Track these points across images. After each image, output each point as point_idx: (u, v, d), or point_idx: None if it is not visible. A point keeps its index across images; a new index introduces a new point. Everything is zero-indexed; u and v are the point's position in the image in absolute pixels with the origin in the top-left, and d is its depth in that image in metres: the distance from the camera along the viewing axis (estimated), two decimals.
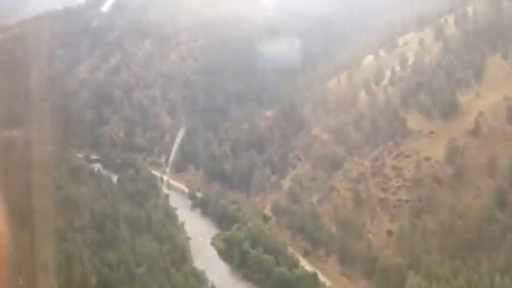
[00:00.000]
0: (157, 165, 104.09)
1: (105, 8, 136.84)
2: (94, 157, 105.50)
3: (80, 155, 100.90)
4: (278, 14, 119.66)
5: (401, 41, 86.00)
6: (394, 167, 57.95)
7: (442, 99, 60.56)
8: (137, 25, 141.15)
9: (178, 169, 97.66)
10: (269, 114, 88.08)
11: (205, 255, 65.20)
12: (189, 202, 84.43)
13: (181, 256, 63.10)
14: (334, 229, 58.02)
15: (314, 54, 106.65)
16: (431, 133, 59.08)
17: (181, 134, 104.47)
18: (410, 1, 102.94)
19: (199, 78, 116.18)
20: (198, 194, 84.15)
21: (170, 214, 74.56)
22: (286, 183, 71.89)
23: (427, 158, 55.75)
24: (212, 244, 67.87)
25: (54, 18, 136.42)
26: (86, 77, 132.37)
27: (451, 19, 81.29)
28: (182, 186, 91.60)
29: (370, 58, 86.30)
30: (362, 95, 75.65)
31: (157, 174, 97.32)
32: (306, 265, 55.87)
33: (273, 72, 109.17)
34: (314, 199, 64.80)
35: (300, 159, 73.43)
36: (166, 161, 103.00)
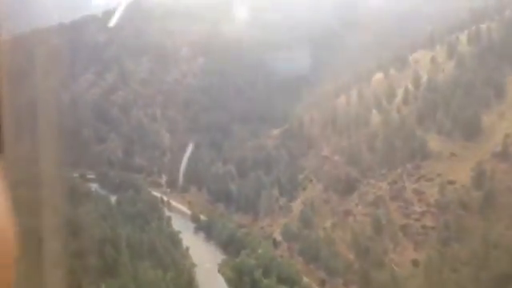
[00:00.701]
0: (157, 185, 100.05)
1: (111, 22, 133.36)
2: (90, 176, 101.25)
3: (76, 174, 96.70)
4: (280, 30, 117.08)
5: (411, 59, 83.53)
6: (415, 191, 54.61)
7: (463, 119, 57.62)
8: (135, 41, 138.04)
9: (180, 189, 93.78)
10: (275, 132, 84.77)
11: (212, 284, 61.14)
12: (191, 225, 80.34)
13: (187, 284, 59.05)
14: (351, 256, 54.31)
15: (319, 71, 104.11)
16: (453, 155, 55.96)
17: (188, 152, 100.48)
18: (417, 18, 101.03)
19: (200, 95, 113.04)
20: (202, 217, 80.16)
21: (173, 239, 70.40)
22: (297, 206, 68.24)
23: (451, 182, 52.50)
24: (219, 271, 63.78)
25: (50, 32, 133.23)
26: (82, 94, 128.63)
27: (463, 37, 78.86)
28: (184, 208, 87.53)
29: (379, 76, 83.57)
30: (374, 114, 72.61)
31: (157, 194, 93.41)
32: None
33: (277, 89, 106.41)
34: (328, 224, 61.15)
35: (311, 181, 69.92)
36: (167, 181, 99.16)
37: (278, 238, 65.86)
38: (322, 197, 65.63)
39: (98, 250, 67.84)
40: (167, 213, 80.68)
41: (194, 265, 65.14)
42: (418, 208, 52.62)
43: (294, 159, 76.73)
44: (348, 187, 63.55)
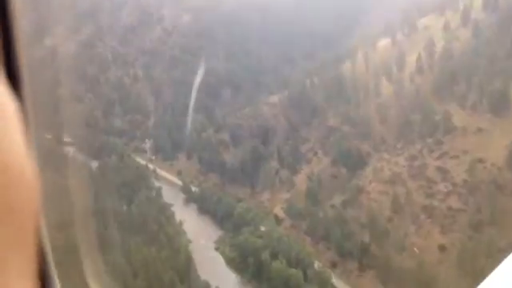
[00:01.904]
0: (140, 151, 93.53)
1: None
2: (66, 139, 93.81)
3: (49, 136, 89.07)
4: None
5: (420, 24, 78.33)
6: (438, 169, 50.37)
7: (489, 92, 53.23)
8: None
9: (166, 157, 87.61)
10: (272, 99, 78.98)
11: (210, 263, 56.28)
12: (181, 196, 74.94)
13: (184, 264, 54.12)
14: (366, 238, 50.11)
15: (317, 35, 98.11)
16: (480, 130, 51.78)
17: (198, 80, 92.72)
18: None
19: (187, 56, 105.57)
20: (194, 188, 74.71)
21: (165, 212, 64.97)
22: (300, 180, 63.43)
23: (480, 160, 48.45)
24: (217, 249, 58.98)
25: None
26: (54, 49, 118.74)
27: (478, 2, 73.90)
28: (173, 177, 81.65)
29: (385, 42, 78.18)
30: (385, 83, 67.62)
31: (141, 161, 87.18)
32: (339, 282, 47.94)
33: (273, 53, 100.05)
34: (337, 201, 56.66)
35: (316, 153, 64.98)
36: (152, 147, 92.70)
37: (280, 214, 61.20)
38: (329, 171, 60.93)
39: (81, 222, 61.91)
40: (157, 183, 74.73)
41: (188, 241, 60.14)
42: (442, 188, 48.50)
43: (295, 129, 71.44)
44: (359, 162, 58.97)
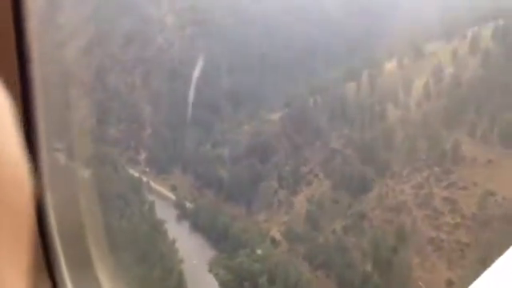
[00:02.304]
0: (134, 162, 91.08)
1: None
2: (57, 145, 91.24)
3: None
4: (278, 6, 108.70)
5: (426, 50, 77.28)
6: (446, 200, 48.60)
7: (501, 123, 51.83)
8: (113, 1, 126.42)
9: (160, 170, 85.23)
10: (273, 117, 77.21)
11: (202, 285, 53.95)
12: (174, 212, 72.49)
13: (176, 285, 51.60)
14: (368, 267, 48.00)
15: (320, 54, 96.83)
16: (490, 162, 50.23)
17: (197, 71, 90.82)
18: (430, 5, 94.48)
19: (187, 69, 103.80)
20: (188, 204, 72.33)
21: (158, 229, 62.45)
22: (299, 202, 61.37)
23: (491, 193, 46.79)
24: (210, 271, 56.50)
25: None
26: (50, 53, 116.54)
27: (487, 31, 73.00)
28: (166, 192, 79.29)
29: (391, 65, 77.02)
30: (390, 107, 66.11)
31: (135, 173, 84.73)
32: None
33: (274, 69, 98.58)
34: (338, 226, 54.60)
35: (317, 175, 63.05)
36: (146, 159, 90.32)
37: (277, 236, 58.99)
38: (330, 195, 58.93)
39: (70, 238, 59.33)
40: (150, 196, 72.25)
41: (181, 261, 57.63)
42: (450, 219, 46.65)
43: (296, 149, 69.52)
44: (362, 187, 57.06)
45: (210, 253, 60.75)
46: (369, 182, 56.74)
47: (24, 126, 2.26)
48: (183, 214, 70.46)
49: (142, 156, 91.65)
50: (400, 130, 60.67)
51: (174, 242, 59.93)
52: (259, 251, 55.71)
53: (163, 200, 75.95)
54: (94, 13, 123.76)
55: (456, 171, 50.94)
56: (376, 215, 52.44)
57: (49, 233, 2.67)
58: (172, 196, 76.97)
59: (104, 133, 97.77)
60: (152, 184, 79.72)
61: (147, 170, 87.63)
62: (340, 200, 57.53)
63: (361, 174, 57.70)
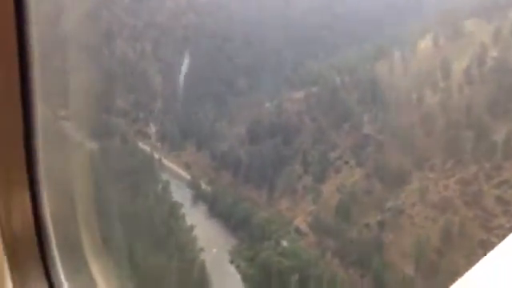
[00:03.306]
0: (143, 135, 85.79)
1: None
2: (62, 113, 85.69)
3: (44, 108, 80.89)
4: None
5: (464, 28, 71.48)
6: (498, 199, 44.14)
7: None
8: None
9: (173, 145, 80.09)
10: (297, 95, 71.79)
11: (224, 278, 49.75)
12: (189, 193, 67.81)
13: (198, 277, 47.29)
14: (410, 270, 43.78)
15: (344, 27, 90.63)
16: None
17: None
18: None
19: (201, 38, 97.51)
20: (203, 185, 67.57)
21: (174, 213, 57.77)
22: (328, 191, 56.75)
23: None
24: (232, 262, 52.23)
25: None
26: (54, 17, 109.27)
27: None
28: (179, 170, 74.30)
29: (427, 44, 71.31)
30: (428, 91, 60.88)
31: (145, 148, 79.64)
32: None
33: (293, 44, 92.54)
34: (372, 221, 50.18)
35: (347, 162, 58.26)
36: (157, 133, 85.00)
37: (303, 227, 54.60)
38: (362, 185, 54.27)
39: (82, 213, 54.49)
40: (164, 175, 67.29)
41: (201, 249, 53.22)
42: (504, 222, 42.25)
43: (322, 132, 64.46)
44: (398, 178, 52.37)
45: (230, 240, 56.40)
46: (406, 173, 52.02)
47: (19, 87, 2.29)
48: (199, 196, 65.75)
49: (153, 130, 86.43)
50: (440, 116, 55.61)
51: (192, 228, 55.38)
52: (284, 243, 51.41)
53: (177, 179, 71.14)
54: None
55: (509, 167, 46.32)
56: (417, 212, 47.99)
57: (44, 227, 2.54)
58: (186, 175, 72.17)
59: (111, 102, 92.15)
60: (164, 160, 74.69)
61: (158, 144, 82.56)
62: (374, 191, 52.91)
63: (397, 164, 52.90)
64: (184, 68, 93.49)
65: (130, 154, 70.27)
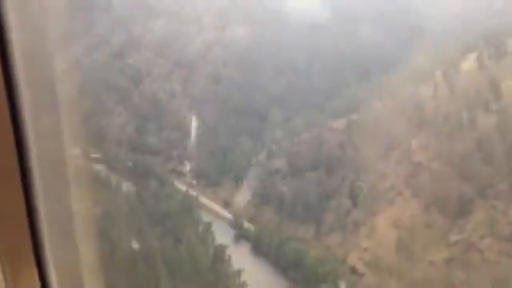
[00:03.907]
0: (178, 174, 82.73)
1: None
2: (94, 155, 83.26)
3: (76, 151, 78.51)
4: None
5: (508, 47, 67.30)
6: None
7: None
8: (145, 2, 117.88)
9: (209, 183, 76.69)
10: (336, 124, 67.96)
11: None
12: (231, 233, 63.86)
13: None
14: None
15: (374, 50, 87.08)
16: None
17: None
18: None
19: (231, 71, 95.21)
20: (246, 223, 63.55)
21: (220, 256, 53.76)
22: (382, 225, 52.15)
23: None
24: None
25: None
26: (81, 58, 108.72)
27: None
28: (218, 208, 70.67)
29: (470, 64, 67.16)
30: (480, 114, 56.44)
31: (181, 186, 76.40)
32: None
33: (323, 72, 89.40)
34: (438, 257, 45.31)
35: (400, 193, 53.74)
36: (192, 170, 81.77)
37: (359, 266, 49.89)
38: (421, 218, 49.58)
39: (120, 261, 50.92)
40: (205, 216, 63.55)
41: None
42: None
43: (368, 161, 60.26)
44: (461, 208, 47.61)
45: (281, 283, 51.98)
46: (469, 202, 47.23)
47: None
48: (242, 235, 61.75)
49: (187, 167, 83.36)
50: (498, 139, 50.97)
51: (239, 273, 51.05)
52: (342, 285, 46.80)
53: (215, 217, 67.37)
54: (125, 16, 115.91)
55: None
56: (488, 245, 43.11)
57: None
58: (225, 213, 68.40)
59: (143, 142, 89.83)
60: (201, 199, 71.06)
61: (193, 182, 79.28)
62: (434, 224, 48.12)
63: (457, 193, 48.20)
64: (215, 102, 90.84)
65: (167, 195, 67.07)
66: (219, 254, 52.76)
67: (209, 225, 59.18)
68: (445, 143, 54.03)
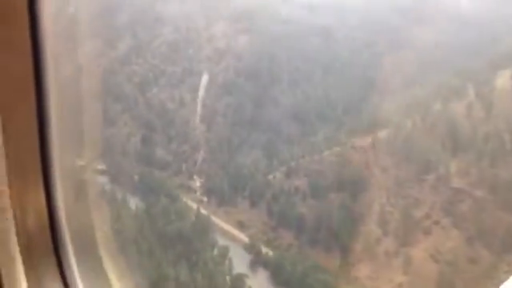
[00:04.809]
0: (187, 189, 77.45)
1: None
2: (100, 166, 77.88)
3: (81, 162, 73.06)
4: (355, 13, 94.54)
5: None
6: None
7: None
8: (152, 8, 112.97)
9: (222, 201, 71.38)
10: (362, 143, 62.95)
11: None
12: (246, 257, 58.61)
13: None
14: None
15: (399, 66, 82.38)
16: None
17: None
18: None
19: (244, 81, 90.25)
20: (264, 248, 58.28)
21: (236, 284, 48.56)
22: (420, 257, 46.99)
23: None
24: None
25: None
26: (85, 64, 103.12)
27: None
28: (231, 228, 65.38)
29: (505, 81, 62.41)
30: None
31: (192, 204, 71.21)
32: None
33: (341, 84, 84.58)
34: None
35: (438, 222, 48.62)
36: (203, 186, 76.47)
37: None
38: (464, 251, 44.46)
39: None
40: (220, 239, 58.19)
41: None
42: None
43: (398, 185, 55.19)
44: (509, 243, 42.53)
45: None
46: None
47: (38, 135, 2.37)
48: (259, 261, 56.48)
49: (197, 183, 78.12)
50: None
51: None
52: None
53: (228, 239, 62.10)
54: (131, 21, 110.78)
55: None
56: None
57: (59, 227, 2.62)
58: (240, 234, 63.09)
59: (150, 154, 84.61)
60: (212, 218, 65.78)
61: (204, 199, 74.01)
62: (480, 259, 42.99)
63: (505, 225, 43.09)
64: (228, 114, 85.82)
65: (178, 213, 61.81)
66: (238, 284, 47.42)
67: (226, 249, 53.82)
68: (486, 167, 49.00)
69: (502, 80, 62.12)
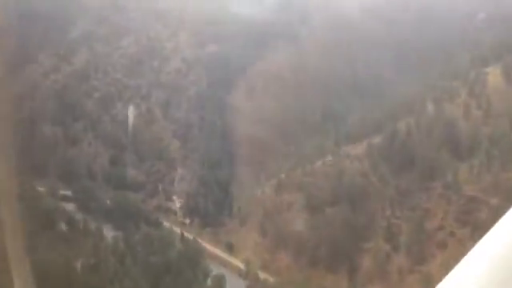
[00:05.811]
0: (165, 211, 71.02)
1: None
2: (64, 192, 70.17)
3: (41, 188, 65.26)
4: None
5: None
6: None
7: None
8: (111, 19, 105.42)
9: (207, 221, 65.41)
10: (356, 151, 58.67)
11: None
12: (241, 284, 52.92)
13: None
14: None
15: (406, 64, 78.03)
16: None
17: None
18: None
19: (218, 92, 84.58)
20: (261, 274, 52.68)
21: None
22: (438, 274, 42.80)
23: None
24: None
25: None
26: (39, 80, 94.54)
27: None
28: (220, 252, 59.49)
29: (496, 77, 59.90)
30: None
31: (173, 227, 64.85)
32: None
33: (320, 88, 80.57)
34: None
35: (453, 234, 44.64)
36: (184, 207, 70.09)
37: None
38: None
39: None
40: (214, 268, 51.98)
41: None
42: None
43: (400, 194, 51.12)
44: None
45: None
46: None
47: None
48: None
49: (177, 203, 71.73)
50: None
51: None
52: None
53: (218, 264, 56.19)
54: (86, 34, 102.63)
55: None
56: None
57: None
58: (230, 258, 57.36)
59: (120, 174, 77.54)
60: (201, 242, 59.57)
61: (187, 221, 67.77)
62: (504, 280, 39.11)
63: None
64: (203, 127, 79.94)
65: (164, 242, 55.38)
66: None
67: (221, 279, 47.90)
68: (495, 173, 45.56)
69: (492, 78, 59.53)
